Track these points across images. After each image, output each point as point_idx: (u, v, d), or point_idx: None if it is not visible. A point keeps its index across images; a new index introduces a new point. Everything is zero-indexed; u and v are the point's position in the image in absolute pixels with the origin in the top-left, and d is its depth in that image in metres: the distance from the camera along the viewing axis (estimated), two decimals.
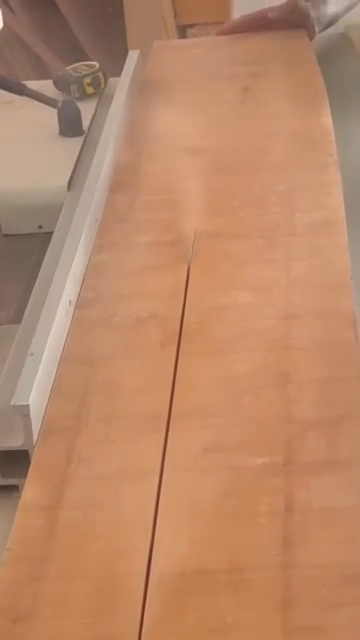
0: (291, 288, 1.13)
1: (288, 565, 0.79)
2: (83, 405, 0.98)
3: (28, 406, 0.94)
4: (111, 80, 1.71)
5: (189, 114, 1.58)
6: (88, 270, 1.19)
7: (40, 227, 1.36)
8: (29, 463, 0.92)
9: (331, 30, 1.94)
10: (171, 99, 1.64)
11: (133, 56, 1.76)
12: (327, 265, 1.17)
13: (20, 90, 1.58)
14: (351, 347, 1.03)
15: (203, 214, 1.29)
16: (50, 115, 1.54)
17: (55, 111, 1.54)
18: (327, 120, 1.52)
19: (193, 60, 1.81)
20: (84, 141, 1.52)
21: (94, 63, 1.71)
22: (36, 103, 1.56)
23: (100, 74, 1.69)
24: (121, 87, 1.64)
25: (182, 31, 3.87)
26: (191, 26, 3.72)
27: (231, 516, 0.84)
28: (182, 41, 1.94)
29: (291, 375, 0.99)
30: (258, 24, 1.87)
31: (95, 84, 1.68)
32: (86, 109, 1.59)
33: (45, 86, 1.64)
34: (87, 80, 1.67)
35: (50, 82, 1.69)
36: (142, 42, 3.63)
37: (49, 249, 1.25)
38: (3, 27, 4.11)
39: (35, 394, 0.95)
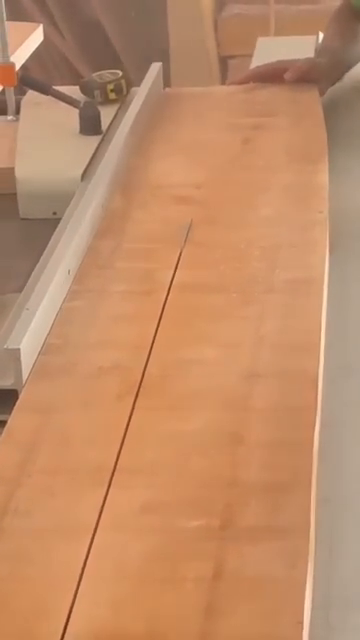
0: (258, 346, 1.11)
1: (207, 635, 0.77)
2: (30, 455, 0.96)
3: (19, 350, 1.06)
4: (134, 89, 1.81)
5: (186, 164, 1.57)
6: (59, 316, 1.18)
7: (54, 213, 1.48)
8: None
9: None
10: (171, 147, 1.63)
11: (155, 68, 1.87)
12: (298, 325, 1.15)
13: (45, 90, 1.75)
14: (309, 410, 1.01)
15: (183, 265, 1.28)
16: (73, 116, 1.69)
17: (77, 111, 1.68)
18: (323, 176, 1.50)
19: (200, 109, 1.80)
20: (101, 140, 1.65)
21: (118, 71, 1.82)
22: (61, 105, 1.71)
23: (123, 81, 1.81)
24: (139, 95, 1.76)
25: (224, 62, 3.90)
26: (232, 57, 3.75)
27: (157, 580, 0.82)
28: (193, 89, 1.93)
29: (243, 436, 0.98)
30: (272, 78, 1.85)
31: (117, 90, 1.80)
32: (108, 113, 1.74)
33: (72, 91, 1.79)
34: (110, 86, 1.79)
35: (77, 88, 1.82)
36: (185, 71, 3.67)
37: (57, 230, 1.39)
38: (51, 48, 4.19)
39: (27, 341, 1.07)
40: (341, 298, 1.27)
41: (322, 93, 1.83)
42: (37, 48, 4.01)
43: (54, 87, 1.77)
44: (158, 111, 1.78)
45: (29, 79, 1.83)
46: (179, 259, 1.30)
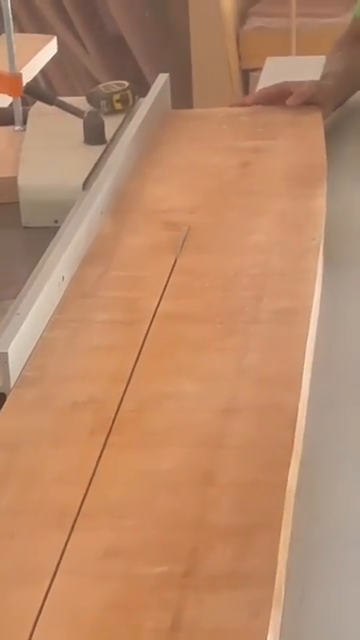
0: (239, 380, 1.08)
1: None
2: None
3: (7, 354, 1.06)
4: (141, 100, 1.83)
5: (182, 187, 1.54)
6: (37, 347, 1.15)
7: (56, 221, 1.48)
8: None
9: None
10: (168, 171, 1.61)
11: (161, 79, 1.89)
12: (281, 358, 1.12)
13: (50, 100, 1.77)
14: (285, 449, 0.97)
15: (169, 294, 1.25)
16: (79, 126, 1.70)
17: (82, 121, 1.70)
18: (320, 201, 1.47)
19: (200, 131, 1.77)
20: (105, 149, 1.66)
21: (124, 82, 1.84)
22: (68, 115, 1.73)
23: (129, 92, 1.82)
24: (144, 105, 1.78)
25: (245, 75, 3.88)
26: (254, 70, 3.73)
27: (113, 629, 0.79)
28: (196, 111, 1.91)
29: (215, 475, 0.94)
30: (278, 100, 1.82)
31: (124, 101, 1.81)
32: (114, 122, 1.75)
33: (80, 102, 1.81)
34: (116, 97, 1.81)
35: (84, 98, 1.84)
36: (207, 84, 3.66)
37: (54, 237, 1.38)
38: (75, 61, 4.21)
39: (15, 345, 1.08)
40: (334, 327, 1.24)
41: (326, 116, 1.80)
42: (60, 61, 4.07)
43: (59, 98, 1.80)
44: (157, 133, 1.75)
45: (34, 89, 1.85)
46: (166, 287, 1.27)
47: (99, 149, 1.66)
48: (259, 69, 3.65)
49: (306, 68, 2.21)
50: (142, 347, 1.14)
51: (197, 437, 1.00)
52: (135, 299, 1.25)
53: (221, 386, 1.07)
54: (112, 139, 1.69)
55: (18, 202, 1.56)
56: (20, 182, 1.57)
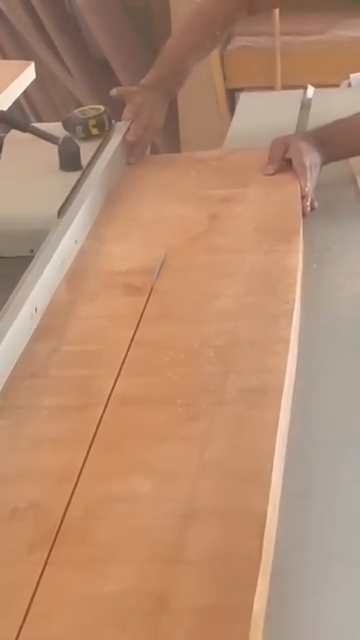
0: (200, 476, 0.96)
1: None
2: None
3: None
4: (118, 124, 1.78)
5: (145, 245, 1.42)
6: None
7: (31, 251, 1.40)
8: None
9: None
10: (130, 226, 1.49)
11: None
12: (248, 448, 1.00)
13: (23, 127, 1.72)
14: (252, 563, 0.85)
15: (127, 371, 1.13)
16: (54, 153, 1.65)
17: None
18: (294, 258, 1.35)
19: (167, 179, 1.65)
20: (81, 175, 1.60)
21: (100, 107, 1.79)
22: (44, 142, 1.67)
23: (105, 116, 1.77)
24: (119, 130, 1.75)
25: (231, 94, 3.79)
26: (240, 90, 3.64)
27: None
28: (163, 156, 1.79)
29: (170, 600, 0.82)
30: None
31: (100, 126, 1.76)
32: (90, 148, 1.70)
33: (56, 127, 1.76)
34: (92, 122, 1.76)
35: (60, 124, 1.78)
36: (192, 104, 3.56)
37: (28, 267, 1.32)
38: (60, 86, 4.12)
39: None
40: (309, 404, 1.12)
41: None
42: (45, 86, 3.97)
43: (33, 124, 1.74)
44: (120, 184, 1.63)
45: (6, 117, 1.79)
46: (123, 363, 1.15)
47: (75, 175, 1.61)
48: (245, 88, 3.58)
49: (280, 103, 2.11)
50: (93, 438, 1.02)
51: (150, 550, 0.88)
52: (89, 378, 1.13)
53: (179, 485, 0.95)
54: (88, 165, 1.64)
55: None
56: None
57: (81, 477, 0.97)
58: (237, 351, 1.15)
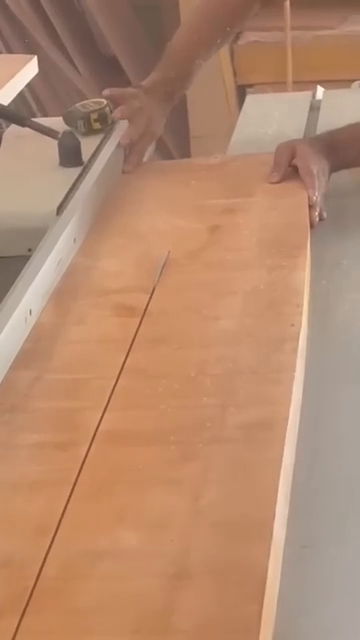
0: (193, 527, 0.85)
1: None
2: None
3: None
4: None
5: (139, 260, 1.32)
6: None
7: (29, 250, 1.33)
8: None
9: None
10: (124, 240, 1.38)
11: None
12: (249, 493, 0.89)
13: (22, 122, 1.66)
14: (249, 634, 0.74)
15: (115, 404, 1.03)
16: (54, 148, 1.58)
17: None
18: (301, 275, 1.24)
19: (165, 188, 1.54)
20: (82, 171, 1.53)
21: (102, 100, 1.70)
22: (44, 137, 1.61)
23: (107, 110, 1.68)
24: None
25: (241, 90, 3.71)
26: (250, 86, 3.56)
27: None
28: (164, 163, 1.69)
29: None
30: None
31: (102, 120, 1.68)
32: (92, 143, 1.62)
33: (56, 122, 1.69)
34: (94, 116, 1.68)
35: (60, 119, 1.72)
36: (201, 100, 3.48)
37: (25, 267, 1.25)
38: (67, 83, 4.05)
39: None
40: (316, 441, 1.02)
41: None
42: (52, 82, 3.89)
43: (32, 119, 1.69)
44: (116, 192, 1.53)
45: (5, 111, 1.76)
46: (112, 394, 1.04)
47: (75, 171, 1.53)
48: (255, 85, 3.49)
49: (288, 104, 2.01)
50: (75, 482, 0.92)
51: (135, 618, 0.77)
52: (74, 411, 1.02)
53: (170, 538, 0.84)
54: (89, 161, 1.56)
55: None
56: None
57: (60, 529, 0.86)
58: (237, 380, 1.05)
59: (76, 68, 4.08)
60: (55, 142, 1.58)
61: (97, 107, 1.69)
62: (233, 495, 0.89)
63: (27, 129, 1.65)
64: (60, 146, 1.57)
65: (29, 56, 2.73)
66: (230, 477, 0.91)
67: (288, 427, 0.97)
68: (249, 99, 2.09)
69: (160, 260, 1.30)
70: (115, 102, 1.68)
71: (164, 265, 1.29)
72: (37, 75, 2.64)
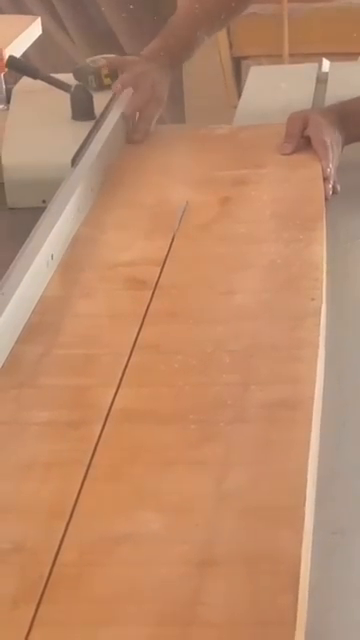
0: (219, 510, 0.80)
1: None
2: None
3: None
4: None
5: (149, 233, 1.26)
6: None
7: (44, 201, 1.34)
8: None
9: None
10: (133, 212, 1.32)
11: None
12: (277, 476, 0.84)
13: (35, 74, 1.69)
14: (284, 626, 0.69)
15: (128, 381, 0.97)
16: (65, 102, 1.61)
17: (69, 97, 1.61)
18: (319, 249, 1.19)
19: (172, 159, 1.49)
20: (94, 125, 1.54)
21: (112, 55, 1.71)
22: (55, 92, 1.64)
23: None
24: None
25: (237, 62, 3.66)
26: (245, 58, 3.52)
27: None
28: (169, 130, 1.63)
29: None
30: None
31: (113, 75, 1.67)
32: (103, 98, 1.63)
33: (66, 79, 1.70)
34: (104, 71, 1.68)
35: (70, 75, 1.74)
36: (197, 72, 3.43)
37: (41, 217, 1.25)
38: (66, 58, 4.01)
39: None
40: (341, 422, 0.96)
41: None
42: (45, 51, 3.85)
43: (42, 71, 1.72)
44: (120, 164, 1.47)
45: (18, 63, 1.77)
46: (125, 371, 0.99)
47: (88, 125, 1.55)
48: (251, 57, 3.43)
49: (292, 76, 1.95)
50: (90, 463, 0.86)
51: (158, 608, 0.72)
52: (85, 388, 0.97)
53: (195, 521, 0.79)
54: (102, 114, 1.57)
55: (2, 182, 1.48)
56: (4, 161, 1.49)
57: (75, 512, 0.81)
58: (257, 357, 0.99)
59: (73, 42, 4.05)
60: (65, 97, 1.60)
61: (107, 62, 1.70)
62: (259, 478, 0.83)
63: (37, 84, 1.65)
64: (72, 99, 1.59)
65: (33, 17, 2.80)
66: (255, 459, 0.86)
67: (314, 407, 0.92)
68: (253, 71, 2.03)
69: (179, 209, 1.26)
70: (115, 70, 1.65)
71: (184, 212, 1.27)
72: (33, 45, 2.60)
